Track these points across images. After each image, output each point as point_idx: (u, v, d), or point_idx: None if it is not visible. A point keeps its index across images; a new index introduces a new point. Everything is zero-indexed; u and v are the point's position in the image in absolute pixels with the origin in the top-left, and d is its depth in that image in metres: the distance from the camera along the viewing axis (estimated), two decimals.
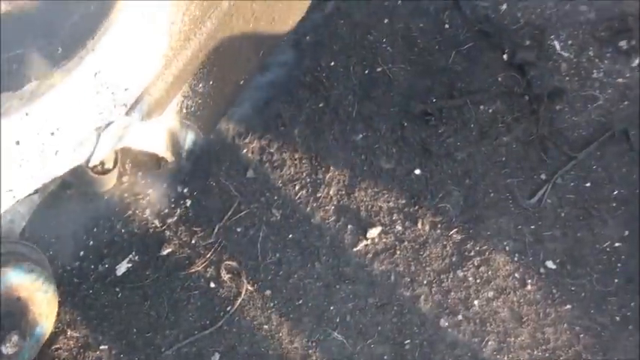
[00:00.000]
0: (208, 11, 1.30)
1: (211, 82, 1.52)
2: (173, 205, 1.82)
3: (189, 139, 1.71)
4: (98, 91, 1.21)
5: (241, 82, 1.67)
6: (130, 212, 1.83)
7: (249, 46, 1.57)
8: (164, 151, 1.55)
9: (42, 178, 1.28)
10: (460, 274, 1.69)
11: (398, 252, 1.73)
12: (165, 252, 1.78)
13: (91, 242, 1.81)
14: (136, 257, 1.78)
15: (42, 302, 1.57)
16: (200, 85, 1.50)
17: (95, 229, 1.82)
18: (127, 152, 1.76)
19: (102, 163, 1.71)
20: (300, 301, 1.70)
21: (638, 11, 1.84)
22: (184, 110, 1.51)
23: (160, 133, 1.50)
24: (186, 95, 1.48)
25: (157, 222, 1.81)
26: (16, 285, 1.53)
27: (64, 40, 0.94)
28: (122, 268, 1.77)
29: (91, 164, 1.39)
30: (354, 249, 1.74)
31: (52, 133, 1.22)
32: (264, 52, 1.65)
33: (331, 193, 1.80)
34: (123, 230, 1.81)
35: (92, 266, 1.78)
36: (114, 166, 1.74)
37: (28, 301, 1.57)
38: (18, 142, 1.12)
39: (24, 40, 0.89)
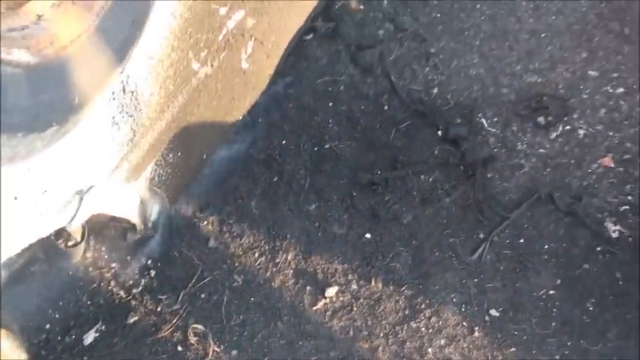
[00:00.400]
0: (180, 86, 2.03)
1: (179, 154, 2.22)
2: (137, 276, 2.42)
3: (155, 210, 2.36)
4: (87, 152, 1.88)
5: (204, 157, 2.37)
6: (95, 285, 2.40)
7: (212, 121, 2.30)
8: (136, 217, 2.19)
9: (30, 237, 1.88)
10: (413, 325, 2.32)
11: (355, 308, 2.36)
12: (131, 320, 2.34)
13: (57, 315, 2.35)
14: (103, 327, 2.33)
15: None
16: (170, 156, 2.19)
17: (61, 303, 2.37)
18: (92, 226, 2.38)
19: (70, 237, 2.33)
20: (266, 358, 2.27)
21: (552, 91, 2.69)
22: (156, 178, 2.19)
23: (134, 200, 2.15)
24: (159, 164, 2.16)
25: (122, 292, 2.39)
26: None
27: (80, 90, 1.55)
28: (89, 337, 2.31)
29: (72, 227, 2.02)
30: (314, 308, 2.36)
31: (45, 192, 1.85)
32: (225, 129, 2.38)
33: (289, 258, 2.45)
34: (89, 302, 2.37)
35: (59, 337, 2.31)
36: (81, 240, 2.35)
37: None
38: (16, 198, 1.71)
39: (49, 87, 1.43)
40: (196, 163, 2.33)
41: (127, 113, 1.85)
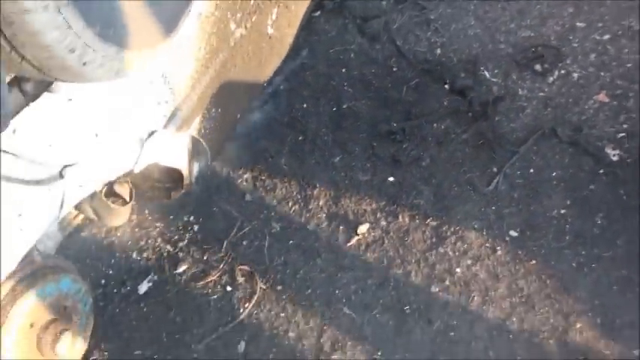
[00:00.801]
0: (221, 44, 2.60)
1: (219, 110, 2.77)
2: (182, 232, 2.94)
3: (198, 165, 2.90)
4: (149, 100, 2.42)
5: (238, 116, 2.93)
6: (143, 243, 2.92)
7: (245, 82, 2.87)
8: (185, 168, 2.72)
9: (104, 177, 2.40)
10: (441, 250, 2.85)
11: (386, 241, 2.88)
12: (181, 269, 2.85)
13: (111, 271, 2.85)
14: (155, 277, 2.83)
15: (82, 314, 2.54)
16: (212, 111, 2.74)
17: (112, 261, 2.88)
18: (137, 188, 2.90)
19: (119, 196, 2.85)
20: (309, 291, 2.78)
21: (545, 42, 3.29)
22: (202, 130, 2.73)
23: (184, 150, 2.69)
24: (204, 117, 2.71)
25: (169, 247, 2.91)
26: (64, 293, 2.53)
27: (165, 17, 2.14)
28: (144, 287, 2.81)
29: (137, 170, 2.55)
30: (348, 244, 2.88)
31: (122, 123, 2.36)
32: (255, 90, 2.95)
33: (321, 204, 2.98)
34: (139, 258, 2.88)
35: (115, 290, 2.81)
36: (130, 199, 2.87)
37: (72, 311, 2.57)
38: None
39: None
40: (232, 121, 2.88)
41: (181, 63, 2.41)
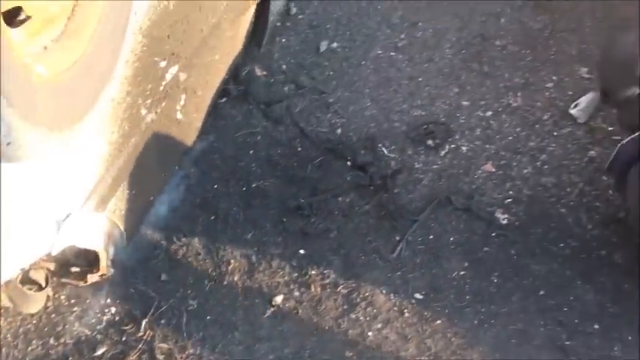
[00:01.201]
0: (133, 129, 2.76)
1: (134, 192, 2.92)
2: (99, 314, 3.00)
3: (111, 249, 3.00)
4: (65, 181, 2.54)
5: (151, 198, 3.07)
6: (60, 328, 2.95)
7: (157, 165, 3.02)
8: (102, 248, 2.82)
9: (22, 260, 2.47)
10: (353, 316, 3.03)
11: (300, 310, 3.03)
12: (99, 352, 2.89)
13: (27, 358, 2.87)
14: None
15: None
16: (127, 193, 2.88)
17: (29, 348, 2.90)
18: (52, 273, 2.96)
19: (34, 282, 2.91)
20: None
21: (435, 120, 3.62)
22: (117, 212, 2.86)
23: (101, 230, 2.80)
24: (118, 198, 2.84)
25: (86, 330, 2.95)
26: None
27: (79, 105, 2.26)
28: None
29: (54, 253, 2.63)
30: (264, 315, 3.01)
31: (39, 205, 2.46)
32: (167, 172, 3.10)
33: (236, 279, 3.12)
34: (56, 343, 2.91)
35: None
36: (46, 284, 2.94)
37: None
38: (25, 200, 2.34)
39: (60, 97, 2.12)
40: (146, 203, 3.00)
41: (95, 147, 2.56)
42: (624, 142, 2.71)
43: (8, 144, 1.70)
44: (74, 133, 2.13)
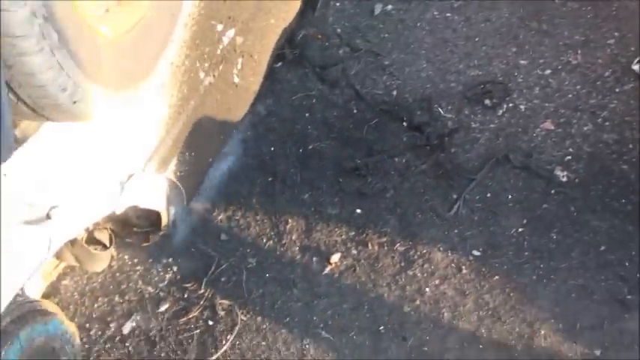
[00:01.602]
0: (192, 91, 2.86)
1: (193, 154, 3.01)
2: (162, 273, 3.12)
3: (172, 209, 3.12)
4: (128, 143, 2.65)
5: (210, 160, 3.17)
6: (124, 286, 3.09)
7: (216, 127, 3.12)
8: (164, 208, 2.94)
9: (88, 219, 2.59)
10: (410, 273, 3.08)
11: (358, 268, 3.10)
12: (163, 308, 3.02)
13: (94, 314, 3.02)
14: (138, 317, 3.00)
15: (70, 354, 2.70)
16: (186, 154, 2.98)
17: (96, 305, 3.05)
18: (117, 234, 3.10)
19: (99, 242, 3.05)
20: (288, 319, 2.97)
21: (492, 79, 3.61)
22: (177, 174, 2.97)
23: (162, 191, 2.91)
24: (179, 160, 2.95)
25: (150, 288, 3.09)
26: (52, 335, 2.68)
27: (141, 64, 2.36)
28: (127, 327, 2.98)
29: (118, 212, 2.75)
30: (322, 273, 3.09)
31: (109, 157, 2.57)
32: (225, 135, 3.20)
33: (293, 238, 3.20)
34: (121, 300, 3.05)
35: (99, 332, 2.97)
36: (110, 244, 3.07)
37: (60, 352, 2.72)
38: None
39: (125, 56, 2.22)
40: (205, 164, 3.11)
41: (157, 109, 2.66)
42: None
43: (75, 102, 1.80)
44: (137, 93, 2.23)
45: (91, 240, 2.91)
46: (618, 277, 2.87)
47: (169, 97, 2.67)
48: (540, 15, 3.81)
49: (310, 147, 3.40)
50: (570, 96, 3.47)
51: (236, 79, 3.09)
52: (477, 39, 3.78)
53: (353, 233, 3.12)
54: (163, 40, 2.34)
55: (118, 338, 2.87)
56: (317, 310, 2.91)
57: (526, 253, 3.03)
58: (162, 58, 2.45)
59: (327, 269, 3.02)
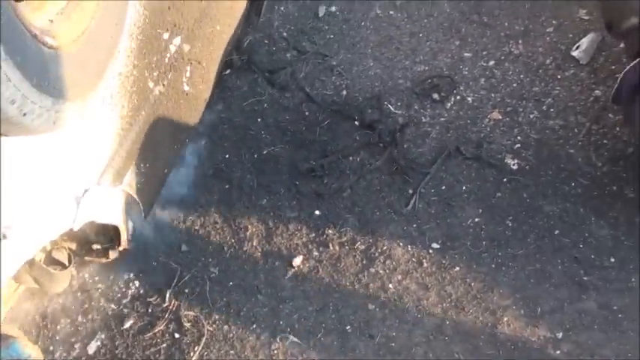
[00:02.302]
0: (142, 101, 2.79)
1: (148, 165, 2.95)
2: (124, 289, 3.05)
3: (130, 223, 3.05)
4: (82, 156, 2.59)
5: (165, 171, 3.11)
6: (87, 305, 3.01)
7: (169, 137, 3.06)
8: (121, 222, 2.87)
9: (45, 237, 2.51)
10: (372, 270, 3.07)
11: (320, 269, 3.08)
12: (127, 324, 2.95)
13: (57, 336, 2.94)
14: (103, 335, 2.92)
15: None
16: (141, 166, 2.92)
17: (58, 327, 2.96)
18: (75, 253, 3.02)
19: (58, 262, 2.96)
20: (254, 325, 2.93)
21: (439, 73, 3.63)
22: (133, 186, 2.90)
23: (119, 204, 2.84)
24: (134, 173, 2.88)
25: (112, 305, 3.01)
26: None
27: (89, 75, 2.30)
28: (92, 347, 2.90)
29: (75, 228, 2.68)
30: (286, 277, 3.06)
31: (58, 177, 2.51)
32: (179, 144, 3.14)
33: (254, 244, 3.17)
34: (84, 320, 2.97)
35: (64, 354, 2.89)
36: (69, 264, 2.99)
37: None
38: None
39: (70, 67, 2.14)
40: (161, 176, 3.04)
41: (108, 120, 2.59)
42: (626, 70, 2.73)
43: (25, 114, 1.74)
44: (87, 104, 2.17)
45: (50, 260, 2.82)
46: (573, 260, 2.91)
47: (120, 107, 2.61)
48: (480, 8, 3.86)
49: (265, 152, 3.37)
50: (515, 85, 3.52)
51: (186, 88, 3.03)
52: (420, 35, 3.80)
53: (313, 235, 3.10)
54: (110, 50, 2.28)
55: (83, 359, 2.78)
56: (283, 314, 2.87)
57: (484, 243, 3.05)
58: (109, 68, 2.40)
59: (290, 273, 2.99)
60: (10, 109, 1.66)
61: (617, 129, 3.26)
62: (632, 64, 2.67)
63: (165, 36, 2.78)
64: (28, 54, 1.69)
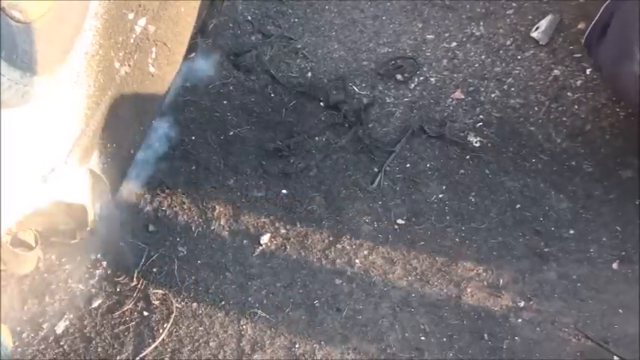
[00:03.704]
0: (108, 81, 2.85)
1: (114, 145, 3.01)
2: (91, 269, 3.10)
3: (97, 203, 3.10)
4: (49, 134, 2.63)
5: (132, 151, 3.17)
6: (54, 286, 3.06)
7: (135, 118, 3.12)
8: (89, 202, 2.92)
9: (11, 217, 2.56)
10: (339, 246, 3.16)
11: (288, 246, 3.17)
12: (96, 304, 3.01)
13: (25, 317, 2.98)
14: (71, 315, 2.98)
15: (3, 357, 2.65)
16: (108, 146, 2.97)
17: (25, 307, 3.01)
18: (41, 234, 3.06)
19: (24, 244, 3.00)
20: (223, 302, 3.00)
21: (402, 55, 3.74)
22: (100, 166, 2.95)
23: (86, 183, 2.89)
24: (101, 152, 2.93)
25: (80, 286, 3.06)
26: None
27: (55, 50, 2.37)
28: (60, 327, 2.94)
29: (41, 207, 2.72)
30: (254, 254, 3.14)
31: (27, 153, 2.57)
32: (145, 126, 3.19)
33: (222, 223, 3.24)
34: (52, 301, 3.02)
35: (32, 335, 2.93)
36: (35, 245, 3.02)
37: None
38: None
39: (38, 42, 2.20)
40: (127, 157, 3.09)
41: (75, 98, 2.64)
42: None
43: None
44: (54, 79, 2.22)
45: (16, 242, 2.85)
46: (534, 232, 3.03)
47: (86, 87, 2.65)
48: None
49: (231, 133, 3.44)
50: (477, 66, 3.63)
51: (152, 69, 3.09)
52: (384, 18, 3.90)
53: (280, 213, 3.18)
54: (76, 27, 2.34)
55: (52, 338, 2.84)
56: (251, 290, 2.95)
57: (447, 218, 3.16)
58: (76, 45, 2.45)
59: (258, 250, 3.06)
60: None
61: (576, 107, 3.40)
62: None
63: (131, 16, 2.82)
64: None
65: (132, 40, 2.81)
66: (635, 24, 2.75)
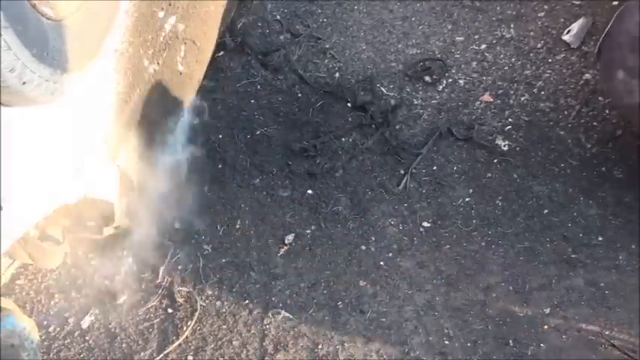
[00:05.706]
0: (137, 79, 2.85)
1: (142, 142, 3.01)
2: (118, 265, 3.12)
3: (124, 199, 3.11)
4: (79, 130, 2.64)
5: (159, 149, 3.17)
6: (80, 281, 3.08)
7: (162, 115, 3.13)
8: (116, 197, 2.93)
9: (42, 209, 2.57)
10: (364, 248, 3.15)
11: (313, 247, 3.15)
12: (121, 300, 3.02)
13: (51, 311, 3.00)
14: (96, 310, 2.99)
15: (30, 351, 2.67)
16: (136, 143, 2.98)
17: (52, 302, 3.03)
18: (69, 229, 3.08)
19: (52, 238, 3.02)
20: (247, 301, 3.00)
21: (431, 57, 3.71)
22: (127, 162, 2.96)
23: (114, 179, 2.90)
24: (128, 149, 2.94)
25: (106, 282, 3.07)
26: (10, 332, 2.65)
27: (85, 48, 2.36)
28: (86, 322, 2.96)
29: (71, 201, 2.73)
30: (278, 254, 3.14)
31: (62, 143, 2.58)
32: (172, 123, 3.20)
33: (247, 222, 3.23)
34: (78, 295, 3.04)
35: (58, 329, 2.95)
36: (63, 240, 3.05)
37: (20, 349, 2.69)
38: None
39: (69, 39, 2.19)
40: (154, 154, 3.11)
41: (105, 95, 2.65)
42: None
43: (24, 83, 1.80)
44: (84, 77, 2.23)
45: (44, 236, 2.87)
46: (562, 238, 2.99)
47: (116, 84, 2.66)
48: None
49: (258, 132, 3.44)
50: (506, 68, 3.59)
51: (180, 67, 3.10)
52: (413, 19, 3.87)
53: (306, 213, 3.17)
54: (106, 25, 2.35)
55: (77, 333, 2.86)
56: (275, 290, 2.94)
57: (474, 221, 3.13)
58: (106, 43, 2.45)
59: (283, 250, 3.06)
60: (10, 77, 1.72)
61: (607, 111, 3.34)
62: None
63: (161, 14, 2.83)
64: (29, 24, 1.74)
65: (161, 39, 2.82)
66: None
